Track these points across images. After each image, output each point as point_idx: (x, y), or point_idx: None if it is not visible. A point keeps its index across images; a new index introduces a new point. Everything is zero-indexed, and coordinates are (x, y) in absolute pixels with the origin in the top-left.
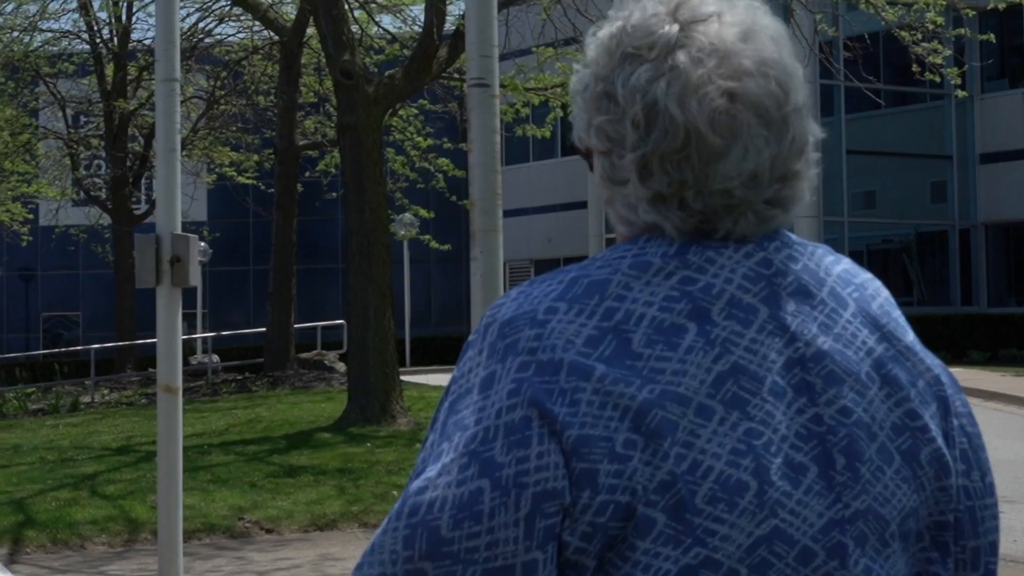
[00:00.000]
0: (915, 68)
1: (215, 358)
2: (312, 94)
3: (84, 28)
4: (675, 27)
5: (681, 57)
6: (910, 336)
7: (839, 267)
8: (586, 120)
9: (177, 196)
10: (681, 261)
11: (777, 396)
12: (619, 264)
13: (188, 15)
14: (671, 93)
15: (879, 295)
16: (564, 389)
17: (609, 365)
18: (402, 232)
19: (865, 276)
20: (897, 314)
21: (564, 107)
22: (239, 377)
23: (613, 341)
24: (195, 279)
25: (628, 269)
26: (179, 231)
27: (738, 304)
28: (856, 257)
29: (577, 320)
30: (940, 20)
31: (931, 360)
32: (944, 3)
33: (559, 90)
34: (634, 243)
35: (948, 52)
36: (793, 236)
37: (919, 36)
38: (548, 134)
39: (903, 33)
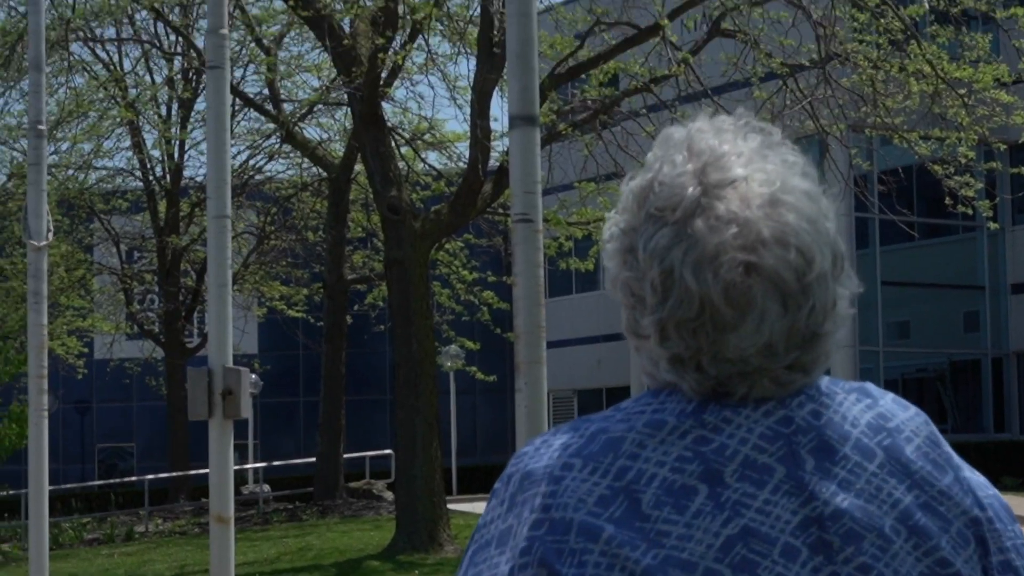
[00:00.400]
0: (948, 201)
1: (266, 488)
2: (360, 229)
3: (137, 166)
4: (698, 190)
5: (699, 224)
6: (947, 478)
7: (871, 413)
8: (614, 272)
9: (228, 330)
10: (697, 420)
11: (790, 557)
12: (636, 421)
13: (239, 153)
14: (687, 261)
15: (917, 436)
16: (573, 550)
17: (618, 526)
18: (448, 363)
19: (903, 416)
20: (939, 453)
21: None
22: (290, 506)
23: (624, 502)
24: (246, 411)
25: (642, 427)
26: (230, 364)
27: (752, 465)
28: (891, 386)
29: (591, 479)
30: (972, 154)
31: (971, 499)
32: (976, 138)
33: (601, 224)
34: (656, 396)
35: (980, 185)
36: (824, 384)
37: (951, 170)
38: (591, 267)
39: (936, 167)
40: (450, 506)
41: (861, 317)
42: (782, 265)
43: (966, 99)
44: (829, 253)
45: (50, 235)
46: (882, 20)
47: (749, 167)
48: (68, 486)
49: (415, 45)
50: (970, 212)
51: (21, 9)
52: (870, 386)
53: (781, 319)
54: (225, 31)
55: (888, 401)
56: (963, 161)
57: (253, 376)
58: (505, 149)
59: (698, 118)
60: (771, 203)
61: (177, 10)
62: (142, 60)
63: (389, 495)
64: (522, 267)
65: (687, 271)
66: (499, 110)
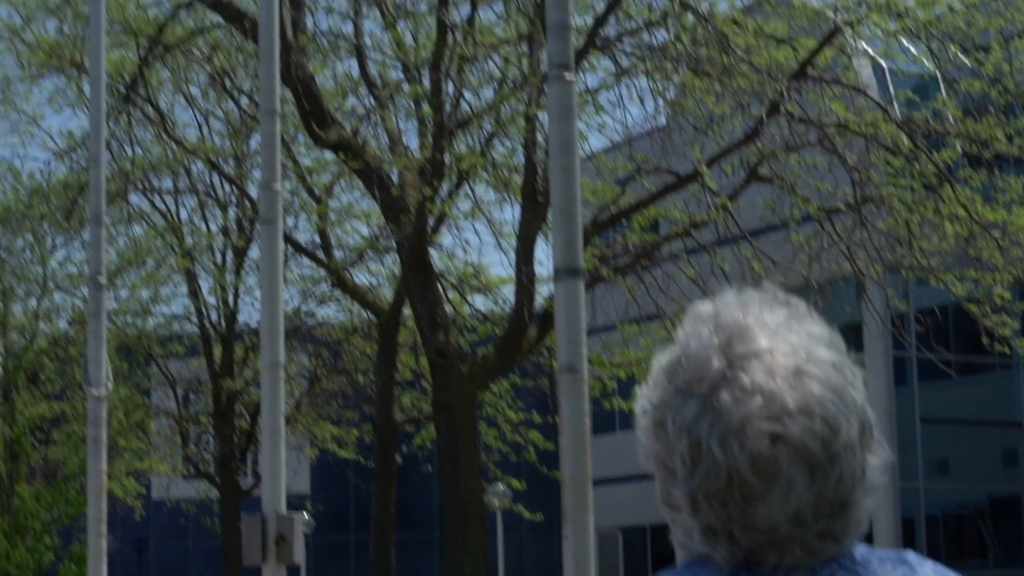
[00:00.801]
0: (985, 340)
1: None
2: (409, 371)
3: (193, 312)
4: (723, 363)
5: (725, 397)
6: None
7: None
8: (646, 445)
9: (281, 476)
10: None
11: None
12: None
13: (290, 298)
14: (714, 433)
15: None
16: None
17: None
18: (495, 502)
19: None
20: None
21: None
22: None
23: None
24: (299, 556)
25: None
26: (284, 511)
27: None
28: (931, 523)
29: None
30: (1007, 295)
31: None
32: (1011, 279)
33: (644, 365)
34: (689, 568)
35: (1016, 325)
36: (859, 552)
37: (987, 309)
38: (634, 407)
39: (972, 307)
40: None
41: (901, 454)
42: (808, 435)
43: (1000, 241)
44: (856, 422)
45: (109, 384)
46: (916, 164)
47: (774, 339)
48: None
49: (461, 193)
50: (1007, 351)
51: (82, 163)
52: (909, 554)
53: (808, 488)
54: (278, 186)
55: (928, 570)
56: (999, 302)
57: (305, 516)
58: (550, 294)
59: (725, 293)
60: (795, 374)
61: (231, 161)
62: (198, 209)
63: None
64: (568, 416)
65: (714, 442)
66: (544, 254)
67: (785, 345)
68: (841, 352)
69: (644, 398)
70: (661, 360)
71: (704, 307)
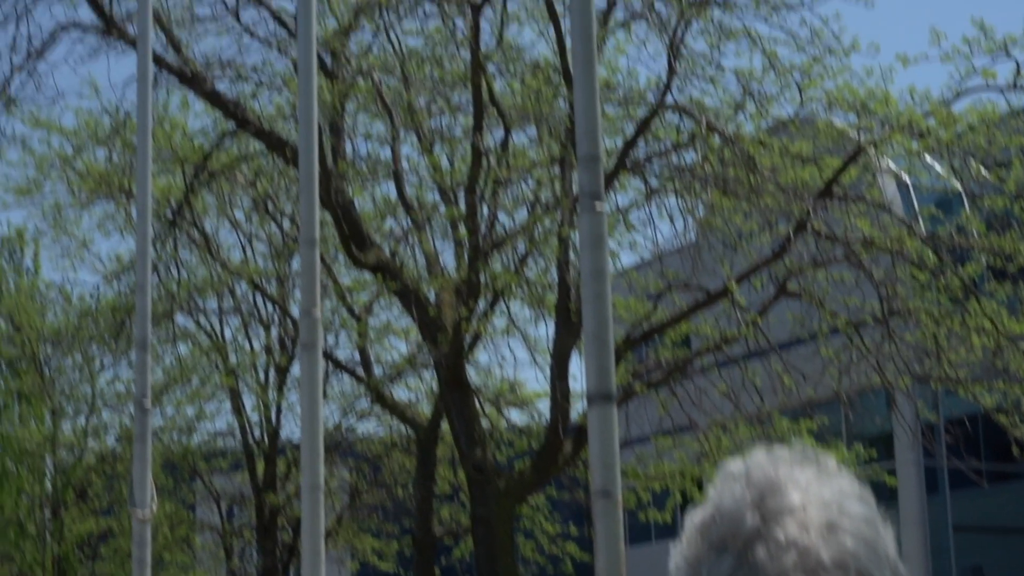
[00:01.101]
0: (1015, 450)
1: None
2: (447, 485)
3: (237, 428)
4: (756, 519)
5: (760, 552)
6: None
7: None
8: None
9: None
10: None
11: None
12: None
13: (331, 414)
14: None
15: None
16: None
17: None
18: None
19: None
20: None
21: (682, 493)
22: None
23: None
24: None
25: None
26: None
27: None
28: None
29: None
30: None
31: None
32: None
33: (678, 477)
34: None
35: None
36: None
37: (1017, 419)
38: (669, 519)
39: (1001, 417)
40: None
41: (934, 563)
42: None
43: None
44: (888, 574)
45: (154, 505)
46: (941, 278)
47: (806, 494)
48: None
49: (496, 311)
50: None
51: (130, 286)
52: None
53: None
54: (317, 312)
55: None
56: None
57: None
58: (584, 409)
59: (754, 451)
60: (829, 528)
61: (274, 282)
62: (241, 329)
63: None
64: (603, 539)
65: None
66: (578, 370)
67: (817, 500)
68: (872, 507)
69: (678, 555)
70: (694, 518)
71: (735, 465)
